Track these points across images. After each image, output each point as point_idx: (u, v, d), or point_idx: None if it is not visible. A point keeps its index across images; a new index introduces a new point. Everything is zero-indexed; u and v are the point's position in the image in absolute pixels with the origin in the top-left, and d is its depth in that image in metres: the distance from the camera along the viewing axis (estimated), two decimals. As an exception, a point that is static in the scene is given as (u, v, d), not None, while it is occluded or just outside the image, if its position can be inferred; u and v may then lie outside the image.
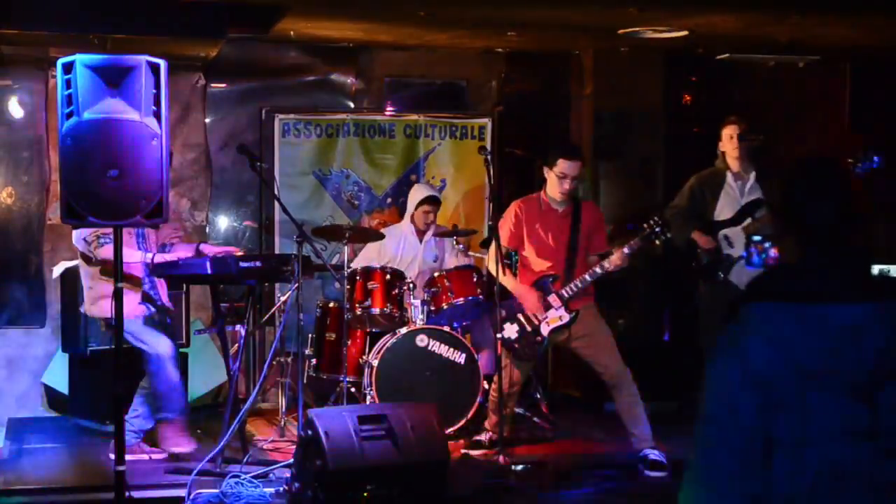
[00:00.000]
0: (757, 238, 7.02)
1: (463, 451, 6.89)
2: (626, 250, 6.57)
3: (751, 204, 7.27)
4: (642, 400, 6.73)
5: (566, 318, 6.77)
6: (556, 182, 6.75)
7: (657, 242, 6.66)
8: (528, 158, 9.15)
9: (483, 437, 7.07)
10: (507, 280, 6.84)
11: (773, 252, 6.88)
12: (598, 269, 6.64)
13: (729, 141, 7.35)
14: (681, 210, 7.49)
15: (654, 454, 6.55)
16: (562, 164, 6.71)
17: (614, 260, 6.58)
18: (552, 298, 6.78)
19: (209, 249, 6.77)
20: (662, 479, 6.39)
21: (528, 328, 6.85)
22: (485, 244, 7.67)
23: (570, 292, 6.73)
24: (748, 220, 7.24)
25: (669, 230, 6.67)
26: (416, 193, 8.09)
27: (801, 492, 2.33)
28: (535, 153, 8.76)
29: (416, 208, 7.97)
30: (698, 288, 7.51)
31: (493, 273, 6.73)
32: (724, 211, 7.37)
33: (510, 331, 6.83)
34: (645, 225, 6.64)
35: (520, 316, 6.86)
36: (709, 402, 2.41)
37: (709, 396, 2.42)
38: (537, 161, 6.89)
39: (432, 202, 8.01)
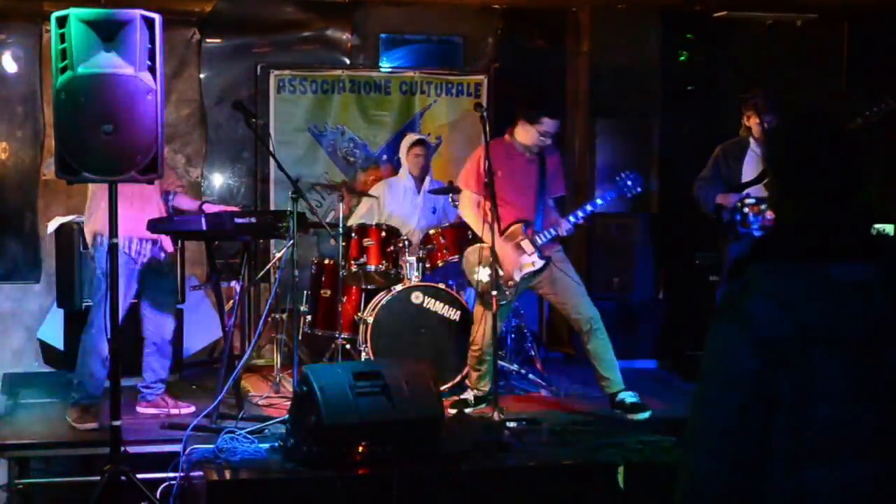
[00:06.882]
0: (751, 200, 7.02)
1: (448, 410, 6.88)
2: (598, 200, 6.69)
3: None
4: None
5: (539, 263, 6.74)
6: (534, 136, 6.74)
7: (628, 196, 6.73)
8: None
9: (468, 395, 7.06)
10: (482, 229, 6.77)
11: (768, 214, 6.88)
12: (571, 219, 6.66)
13: (755, 126, 7.37)
14: (705, 179, 7.57)
15: (630, 396, 6.56)
16: (546, 123, 6.71)
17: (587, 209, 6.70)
18: (525, 244, 6.75)
19: (211, 209, 6.71)
20: (646, 420, 6.41)
21: (501, 272, 6.80)
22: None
23: (544, 239, 6.73)
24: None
25: (640, 185, 6.77)
26: (406, 141, 8.22)
27: (802, 453, 2.28)
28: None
29: (407, 153, 8.07)
30: (722, 247, 7.55)
31: (470, 222, 6.82)
32: (749, 174, 7.41)
33: (482, 274, 6.79)
34: (616, 177, 6.73)
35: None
36: (709, 361, 2.36)
37: (709, 356, 2.37)
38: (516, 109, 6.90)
39: (421, 144, 8.09)
